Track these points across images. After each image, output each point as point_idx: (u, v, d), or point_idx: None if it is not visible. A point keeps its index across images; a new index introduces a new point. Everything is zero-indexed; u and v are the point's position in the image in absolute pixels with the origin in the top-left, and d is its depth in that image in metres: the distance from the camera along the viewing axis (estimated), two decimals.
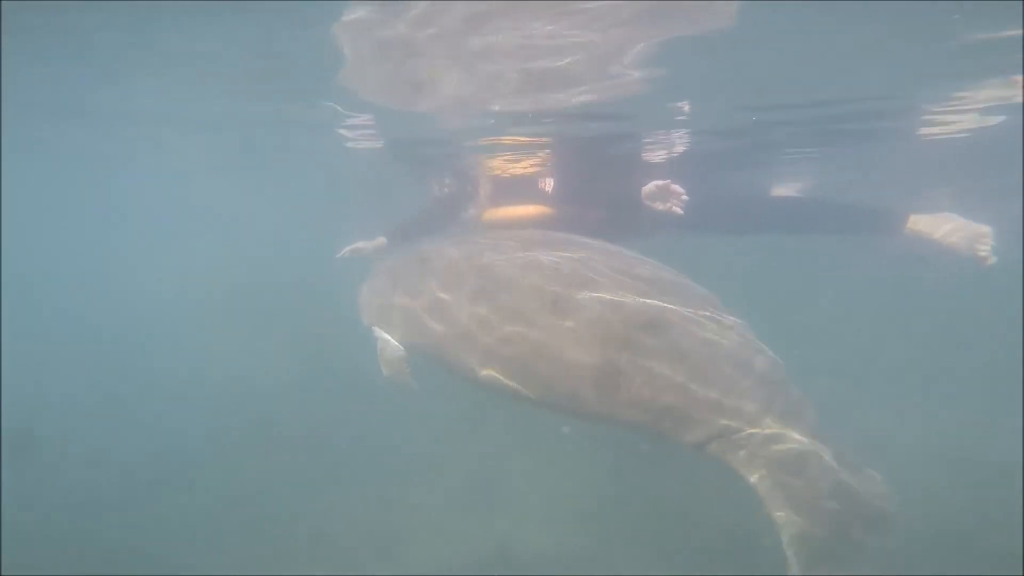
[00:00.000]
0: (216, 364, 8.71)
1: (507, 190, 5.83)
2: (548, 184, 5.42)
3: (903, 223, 3.81)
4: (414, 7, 2.90)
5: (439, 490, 5.78)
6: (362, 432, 6.69)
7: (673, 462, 5.65)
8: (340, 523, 5.34)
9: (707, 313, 3.02)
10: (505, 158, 6.36)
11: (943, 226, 3.75)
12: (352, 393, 6.33)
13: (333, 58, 3.68)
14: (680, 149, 6.02)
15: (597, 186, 5.62)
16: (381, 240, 5.40)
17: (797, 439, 2.78)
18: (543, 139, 5.81)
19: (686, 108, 4.94)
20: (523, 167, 6.41)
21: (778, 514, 2.69)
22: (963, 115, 5.34)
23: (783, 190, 7.77)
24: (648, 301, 2.99)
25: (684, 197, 3.99)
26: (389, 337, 3.86)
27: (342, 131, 6.14)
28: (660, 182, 4.05)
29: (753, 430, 2.78)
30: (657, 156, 6.24)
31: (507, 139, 5.79)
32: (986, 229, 3.68)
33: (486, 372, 3.17)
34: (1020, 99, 4.73)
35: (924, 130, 5.97)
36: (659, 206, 4.06)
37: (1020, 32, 3.28)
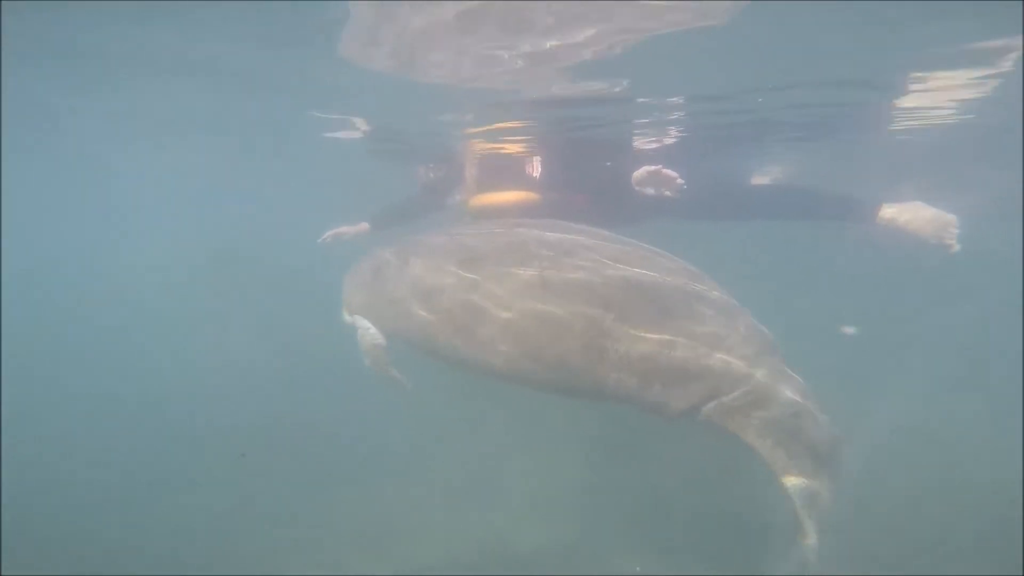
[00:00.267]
0: (212, 362, 8.60)
1: (494, 174, 5.83)
2: (536, 169, 5.45)
3: (875, 211, 3.97)
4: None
5: (435, 487, 5.78)
6: (358, 430, 6.65)
7: (671, 457, 5.68)
8: (336, 521, 5.34)
9: (689, 279, 3.08)
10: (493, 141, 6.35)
11: (913, 215, 3.91)
12: (347, 391, 6.29)
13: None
14: (670, 140, 6.10)
15: (586, 171, 5.66)
16: (364, 226, 5.39)
17: (791, 398, 2.78)
18: (530, 123, 5.82)
19: (676, 101, 5.02)
20: (511, 148, 6.41)
21: (785, 477, 2.67)
22: (934, 111, 5.53)
23: (759, 179, 7.97)
24: (631, 267, 3.04)
25: (679, 181, 4.04)
26: (369, 325, 3.87)
27: (317, 114, 6.01)
28: (651, 167, 4.11)
29: (746, 388, 2.75)
30: (648, 144, 6.31)
31: (496, 125, 5.79)
32: (952, 218, 3.87)
33: (474, 352, 3.17)
34: (983, 96, 4.92)
35: (897, 124, 6.16)
36: (651, 191, 4.12)
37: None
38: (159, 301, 11.87)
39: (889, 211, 3.94)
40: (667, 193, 4.09)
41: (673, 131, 5.97)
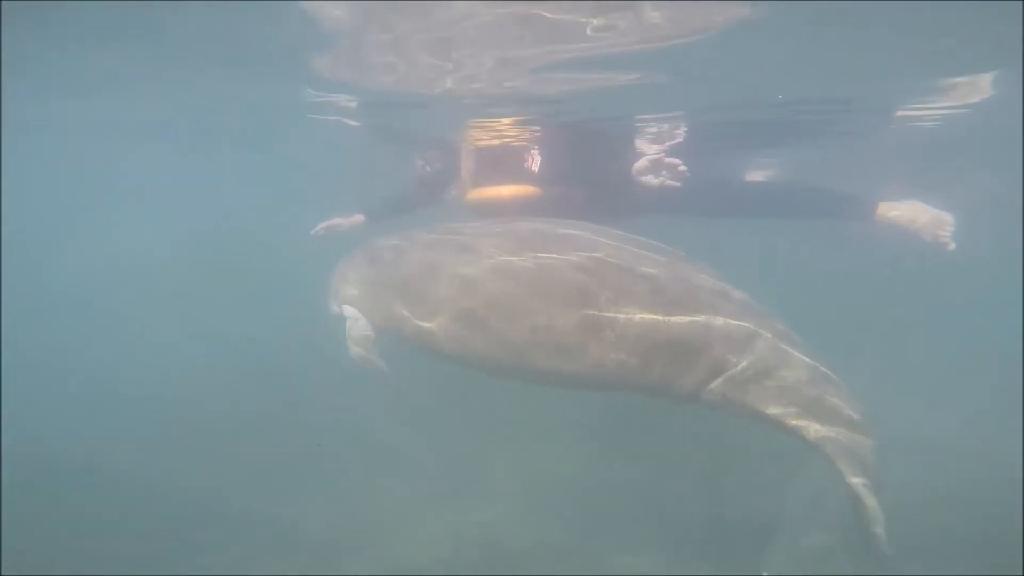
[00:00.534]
0: (198, 358, 8.50)
1: (492, 168, 5.79)
2: (534, 162, 5.42)
3: (874, 209, 3.98)
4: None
5: (424, 484, 5.73)
6: (345, 427, 6.58)
7: (668, 453, 5.68)
8: (316, 518, 5.29)
9: (682, 260, 3.09)
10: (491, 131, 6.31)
11: (910, 213, 3.94)
12: (334, 387, 6.22)
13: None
14: (677, 140, 6.08)
15: (585, 163, 5.62)
16: (359, 217, 5.32)
17: (803, 359, 2.69)
18: (529, 117, 5.79)
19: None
20: (509, 137, 6.37)
21: (825, 448, 2.46)
22: (931, 111, 5.55)
23: (753, 176, 7.97)
24: (624, 249, 3.06)
25: (682, 168, 3.99)
26: (359, 315, 3.82)
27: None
28: (653, 156, 4.08)
29: (752, 357, 2.64)
30: (651, 147, 6.28)
31: (493, 122, 5.75)
32: (949, 216, 3.89)
33: (472, 343, 3.13)
34: (976, 100, 4.94)
35: (900, 115, 6.16)
36: (652, 181, 4.08)
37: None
38: (143, 298, 11.72)
39: (886, 209, 3.95)
40: (669, 182, 4.05)
41: (679, 129, 5.96)
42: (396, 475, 5.88)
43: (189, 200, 17.30)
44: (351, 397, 6.28)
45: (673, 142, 6.10)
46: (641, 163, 4.18)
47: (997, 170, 8.49)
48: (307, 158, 10.56)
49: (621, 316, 2.77)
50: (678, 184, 4.09)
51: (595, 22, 2.92)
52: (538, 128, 5.93)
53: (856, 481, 2.41)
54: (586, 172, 5.22)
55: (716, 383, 2.69)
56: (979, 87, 4.52)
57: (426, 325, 3.32)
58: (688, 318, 2.73)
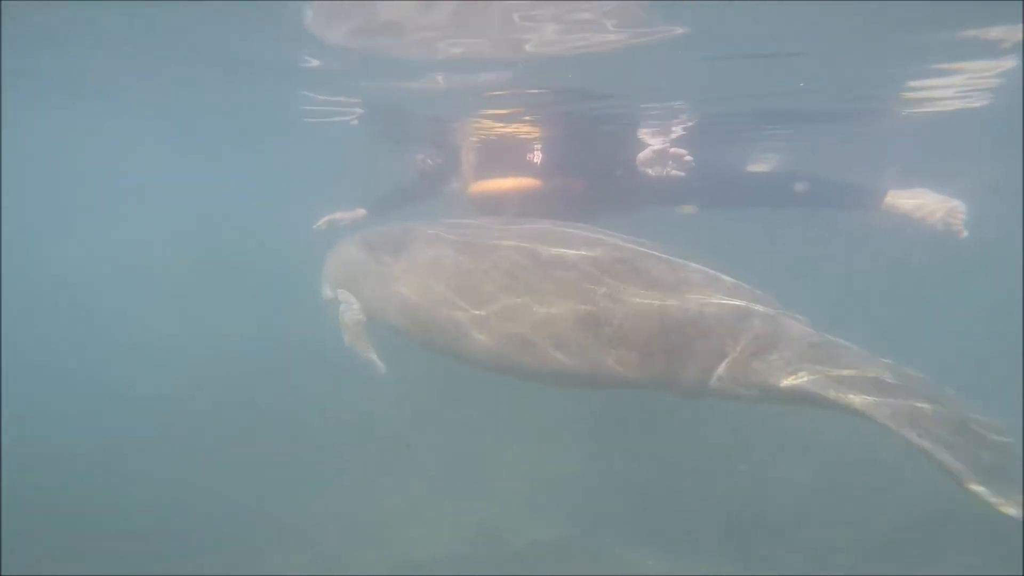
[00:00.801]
0: (203, 355, 8.47)
1: (493, 161, 5.74)
2: (535, 155, 5.37)
3: (882, 198, 3.91)
4: None
5: (422, 477, 5.71)
6: (341, 419, 6.56)
7: (663, 448, 5.67)
8: (320, 513, 5.27)
9: (670, 252, 3.10)
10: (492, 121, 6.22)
11: (919, 201, 3.87)
12: (339, 383, 6.19)
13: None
14: (678, 133, 6.00)
15: (587, 155, 5.58)
16: (360, 212, 5.30)
17: (803, 328, 2.67)
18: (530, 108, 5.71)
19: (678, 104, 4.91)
20: (511, 130, 6.30)
21: (866, 410, 2.28)
22: (943, 98, 5.47)
23: (758, 165, 7.90)
24: (616, 246, 3.09)
25: (687, 158, 3.94)
26: (353, 300, 3.82)
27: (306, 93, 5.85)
28: (658, 146, 4.03)
29: (751, 333, 2.62)
30: (653, 136, 6.21)
31: (494, 111, 5.66)
32: (959, 204, 3.83)
33: (464, 340, 3.12)
34: (991, 85, 4.87)
35: (906, 110, 6.09)
36: (657, 171, 4.03)
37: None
38: (142, 296, 11.68)
39: (895, 197, 3.89)
40: (674, 172, 3.99)
41: (681, 122, 5.88)
42: (402, 471, 5.85)
43: (188, 199, 17.26)
44: (353, 395, 6.25)
45: (677, 131, 6.03)
46: (645, 154, 4.12)
47: (1002, 160, 8.41)
48: (305, 155, 10.49)
49: (618, 309, 2.78)
50: (683, 174, 4.03)
51: None
52: (539, 117, 5.85)
53: (925, 446, 2.19)
54: (588, 163, 5.18)
55: (721, 368, 2.65)
56: (991, 69, 4.44)
57: (421, 317, 3.32)
58: (683, 307, 2.73)
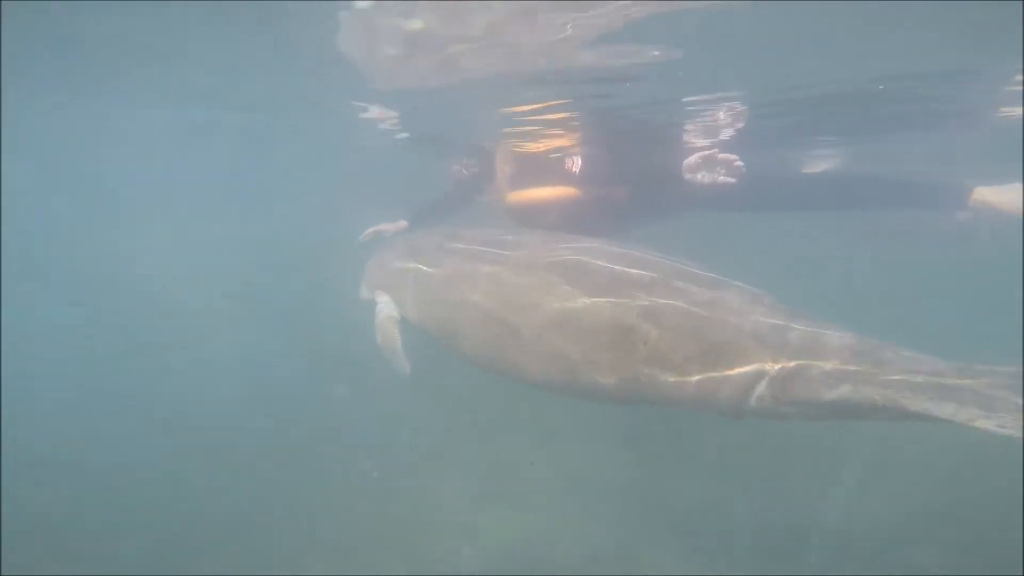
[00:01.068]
0: (223, 360, 8.57)
1: (532, 170, 5.64)
2: (575, 163, 5.21)
3: (968, 195, 3.57)
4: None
5: (460, 487, 5.64)
6: (376, 427, 6.53)
7: (710, 459, 5.49)
8: (356, 521, 5.23)
9: (703, 272, 3.09)
10: (532, 135, 6.09)
11: (1010, 195, 3.52)
12: (371, 388, 6.17)
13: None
14: (728, 134, 5.68)
15: (629, 161, 5.40)
16: (402, 223, 5.38)
17: (843, 339, 2.56)
18: (572, 113, 5.52)
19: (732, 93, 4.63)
20: (550, 143, 6.15)
21: (916, 406, 2.19)
22: None
23: (817, 166, 7.46)
24: (653, 260, 3.14)
25: (738, 164, 3.73)
26: (389, 300, 3.91)
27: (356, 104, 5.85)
28: (705, 152, 3.82)
29: (789, 350, 2.54)
30: (699, 140, 5.90)
31: (533, 116, 5.51)
32: None
33: (498, 354, 3.16)
34: None
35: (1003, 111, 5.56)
36: (704, 178, 3.83)
37: None
38: (173, 297, 11.91)
39: (984, 193, 3.54)
40: (723, 179, 3.76)
41: (730, 118, 5.54)
42: (434, 476, 5.78)
43: (210, 207, 17.68)
44: (392, 399, 6.22)
45: (727, 133, 5.71)
46: (692, 160, 3.92)
47: None
48: (345, 161, 10.57)
49: (654, 328, 2.78)
50: (733, 181, 3.79)
51: None
52: (577, 121, 5.66)
53: (975, 423, 2.13)
54: (630, 171, 5.00)
55: (761, 387, 2.57)
56: None
57: (460, 329, 3.38)
58: (720, 325, 2.70)
